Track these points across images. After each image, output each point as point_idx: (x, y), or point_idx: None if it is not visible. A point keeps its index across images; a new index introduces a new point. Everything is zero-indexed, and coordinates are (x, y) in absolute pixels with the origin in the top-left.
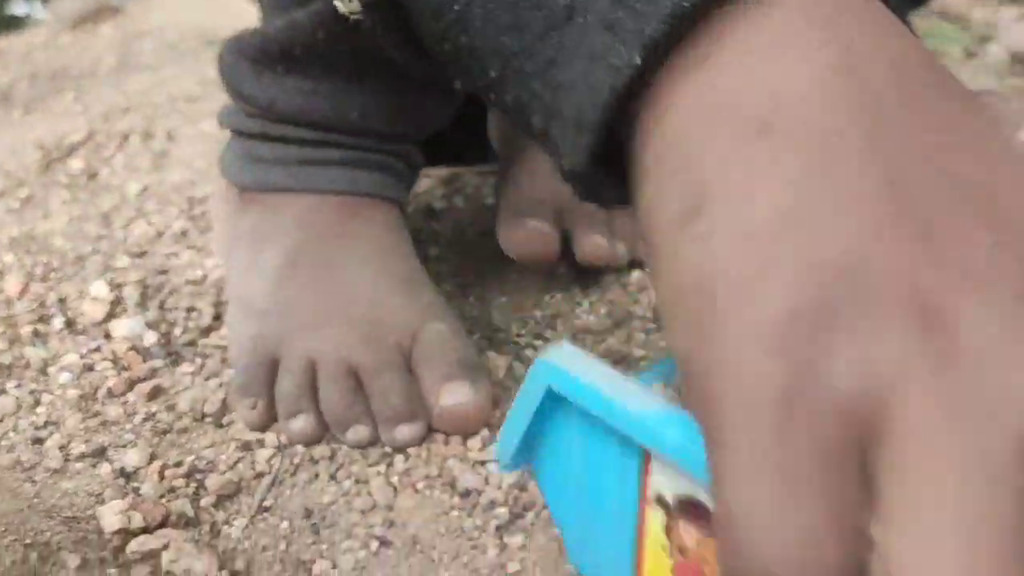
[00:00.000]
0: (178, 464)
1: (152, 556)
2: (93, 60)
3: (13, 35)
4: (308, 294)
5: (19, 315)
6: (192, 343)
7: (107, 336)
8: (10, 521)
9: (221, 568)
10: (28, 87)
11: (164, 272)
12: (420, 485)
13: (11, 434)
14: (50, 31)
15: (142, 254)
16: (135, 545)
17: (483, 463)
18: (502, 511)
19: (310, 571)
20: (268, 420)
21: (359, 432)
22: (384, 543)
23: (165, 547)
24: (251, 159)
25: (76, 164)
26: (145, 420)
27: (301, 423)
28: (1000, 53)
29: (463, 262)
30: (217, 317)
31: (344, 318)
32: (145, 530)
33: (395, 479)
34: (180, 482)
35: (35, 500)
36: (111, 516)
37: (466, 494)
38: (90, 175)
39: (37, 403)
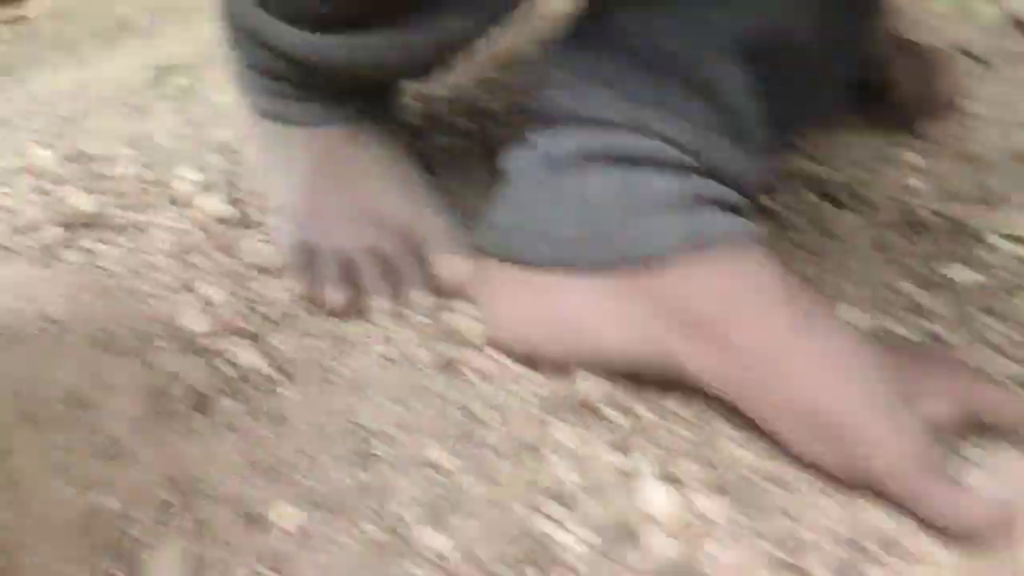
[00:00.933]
0: (249, 300)
1: (219, 353)
2: None
3: None
4: (332, 202)
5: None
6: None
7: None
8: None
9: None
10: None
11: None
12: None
13: (116, 267)
14: None
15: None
16: (206, 342)
17: None
18: None
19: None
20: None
21: (385, 297)
22: (388, 359)
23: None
24: (273, 95)
25: (181, 80)
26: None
27: (340, 296)
28: (998, 14)
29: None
30: None
31: (365, 218)
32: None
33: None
34: (246, 310)
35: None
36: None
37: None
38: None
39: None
